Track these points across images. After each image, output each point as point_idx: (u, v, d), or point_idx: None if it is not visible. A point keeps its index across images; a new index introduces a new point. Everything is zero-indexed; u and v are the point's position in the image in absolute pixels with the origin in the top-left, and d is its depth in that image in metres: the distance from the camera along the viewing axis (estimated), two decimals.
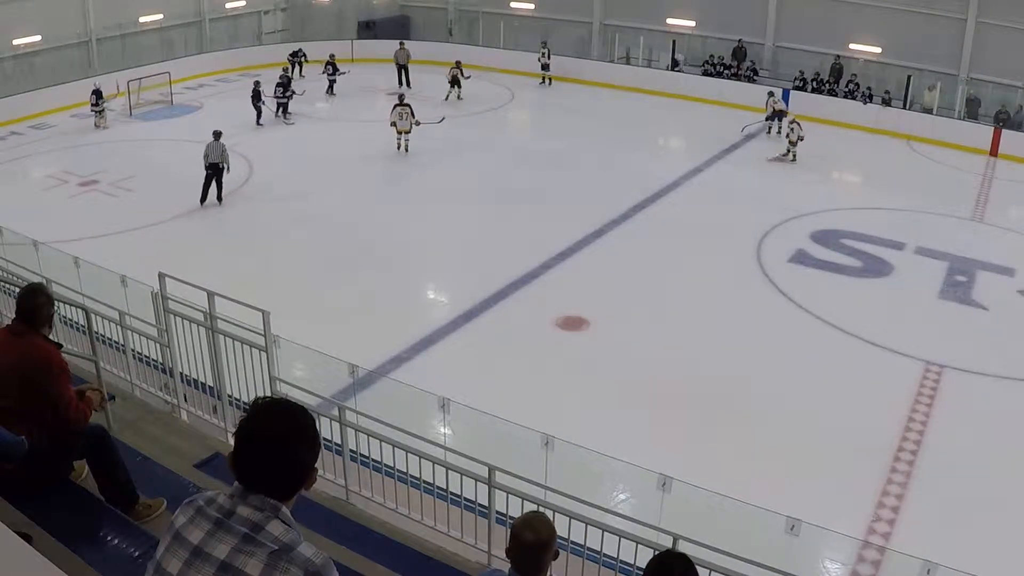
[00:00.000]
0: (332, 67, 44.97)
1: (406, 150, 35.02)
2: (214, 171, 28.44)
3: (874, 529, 14.64)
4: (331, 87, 45.11)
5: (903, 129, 38.41)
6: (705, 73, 45.30)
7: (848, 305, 22.57)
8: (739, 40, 45.27)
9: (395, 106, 35.25)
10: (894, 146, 37.53)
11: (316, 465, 3.91)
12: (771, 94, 39.93)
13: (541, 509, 9.76)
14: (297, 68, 46.46)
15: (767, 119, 39.05)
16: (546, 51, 47.05)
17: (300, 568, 3.52)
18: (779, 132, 37.72)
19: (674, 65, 46.40)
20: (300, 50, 47.73)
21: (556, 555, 6.39)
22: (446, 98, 43.16)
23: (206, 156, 28.27)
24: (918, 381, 19.28)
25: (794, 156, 34.76)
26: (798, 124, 34.78)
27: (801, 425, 17.38)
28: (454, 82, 43.60)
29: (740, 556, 9.18)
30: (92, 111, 38.84)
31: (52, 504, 7.64)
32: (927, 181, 33.67)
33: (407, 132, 34.85)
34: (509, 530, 6.39)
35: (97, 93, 38.66)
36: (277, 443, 3.71)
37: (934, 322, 22.13)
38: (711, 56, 45.83)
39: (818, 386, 18.91)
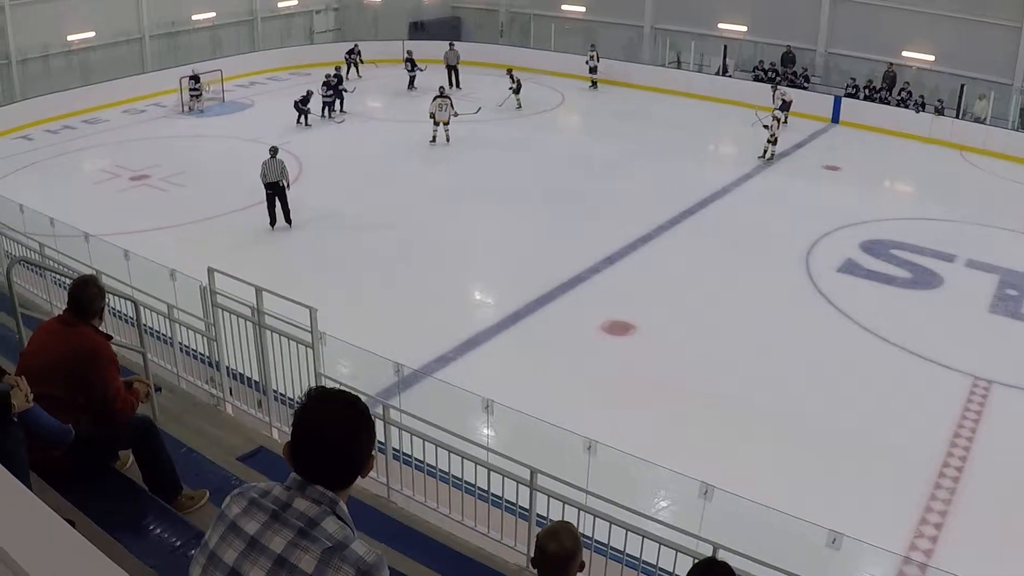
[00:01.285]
0: (411, 64, 45.32)
1: (447, 140, 35.82)
2: (275, 191, 26.36)
3: (916, 545, 14.54)
4: (412, 83, 45.37)
5: (956, 139, 37.83)
6: (756, 79, 44.96)
7: (896, 317, 22.34)
8: (787, 46, 45.04)
9: (435, 98, 36.03)
10: (946, 156, 37.06)
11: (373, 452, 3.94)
12: (776, 87, 40.43)
13: (582, 513, 9.80)
14: (353, 68, 46.64)
15: (777, 109, 39.20)
16: (594, 54, 46.74)
17: (352, 567, 3.53)
18: (785, 123, 37.90)
19: (724, 71, 46.13)
20: (356, 47, 47.79)
21: (582, 567, 6.34)
22: (517, 105, 42.92)
23: (263, 176, 26.15)
24: (965, 396, 19.01)
25: (772, 155, 35.13)
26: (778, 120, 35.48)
27: (846, 437, 17.21)
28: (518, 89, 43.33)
29: (780, 568, 9.15)
30: (190, 94, 40.90)
31: (96, 492, 7.69)
32: (979, 192, 33.25)
33: (446, 123, 35.65)
34: (535, 540, 6.37)
35: (195, 78, 40.75)
36: (336, 435, 3.76)
37: (983, 336, 21.82)
38: (760, 62, 45.54)
39: (864, 398, 18.73)
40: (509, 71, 43.33)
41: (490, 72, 45.94)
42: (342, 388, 4.10)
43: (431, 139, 35.89)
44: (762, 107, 38.35)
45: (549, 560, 6.19)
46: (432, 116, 35.59)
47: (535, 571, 6.36)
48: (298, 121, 38.29)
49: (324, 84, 39.72)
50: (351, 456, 3.79)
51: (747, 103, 40.78)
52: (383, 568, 3.66)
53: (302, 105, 38.19)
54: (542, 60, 49.24)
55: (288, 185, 26.57)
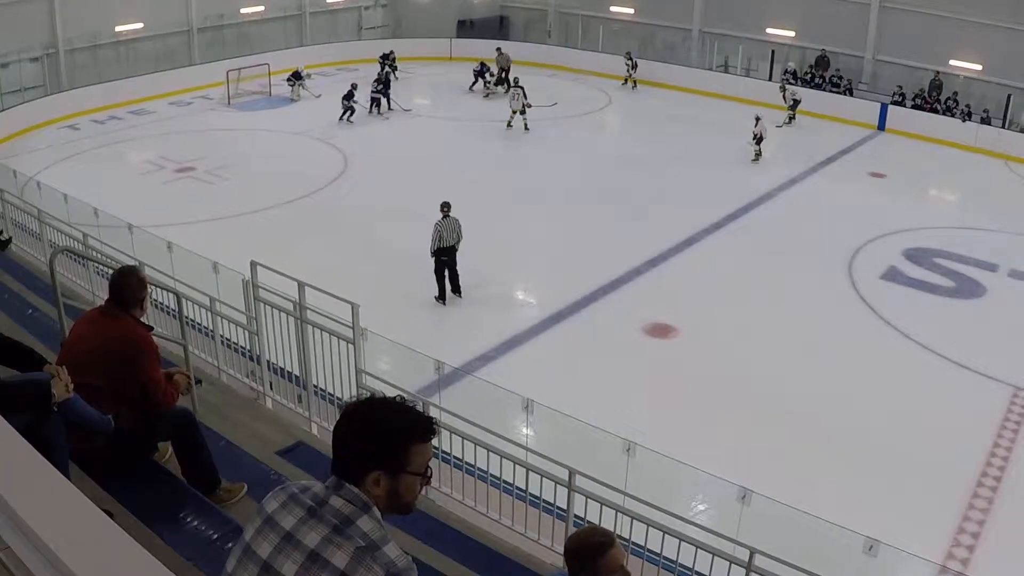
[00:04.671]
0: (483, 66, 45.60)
1: (525, 128, 37.37)
2: (450, 256, 22.22)
3: (953, 554, 14.45)
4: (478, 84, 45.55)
5: (1001, 149, 37.52)
6: (805, 84, 44.68)
7: (938, 325, 22.22)
8: (822, 50, 44.91)
9: (510, 87, 38.61)
10: (991, 166, 36.77)
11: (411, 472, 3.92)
12: (783, 88, 41.41)
13: (619, 515, 9.78)
14: (390, 70, 46.26)
15: (790, 108, 40.41)
16: (630, 63, 46.75)
17: (383, 568, 3.56)
18: (793, 120, 40.04)
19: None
20: (391, 53, 47.20)
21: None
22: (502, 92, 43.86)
23: (439, 238, 21.91)
24: (1006, 406, 18.91)
25: (757, 155, 35.18)
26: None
27: (884, 443, 17.15)
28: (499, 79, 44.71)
29: (816, 573, 9.11)
30: (289, 85, 42.69)
31: (135, 483, 7.72)
32: (1023, 203, 33.10)
33: (519, 112, 37.27)
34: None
35: (296, 74, 42.37)
36: (359, 437, 3.80)
37: None
38: (809, 67, 45.29)
39: (903, 406, 18.64)
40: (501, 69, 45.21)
41: (538, 72, 45.94)
42: (390, 396, 4.08)
43: (507, 124, 37.79)
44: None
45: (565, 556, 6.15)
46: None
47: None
48: (342, 117, 38.43)
49: (376, 80, 40.06)
50: (373, 459, 3.79)
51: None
52: (412, 574, 3.67)
53: (346, 100, 38.30)
54: (590, 61, 49.14)
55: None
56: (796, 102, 40.48)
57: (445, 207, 22.14)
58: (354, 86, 38.78)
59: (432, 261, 22.19)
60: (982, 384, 19.70)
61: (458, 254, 22.24)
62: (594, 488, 10.21)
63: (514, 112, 37.34)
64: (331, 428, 3.87)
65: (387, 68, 42.38)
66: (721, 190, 31.23)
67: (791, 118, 40.38)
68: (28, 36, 38.77)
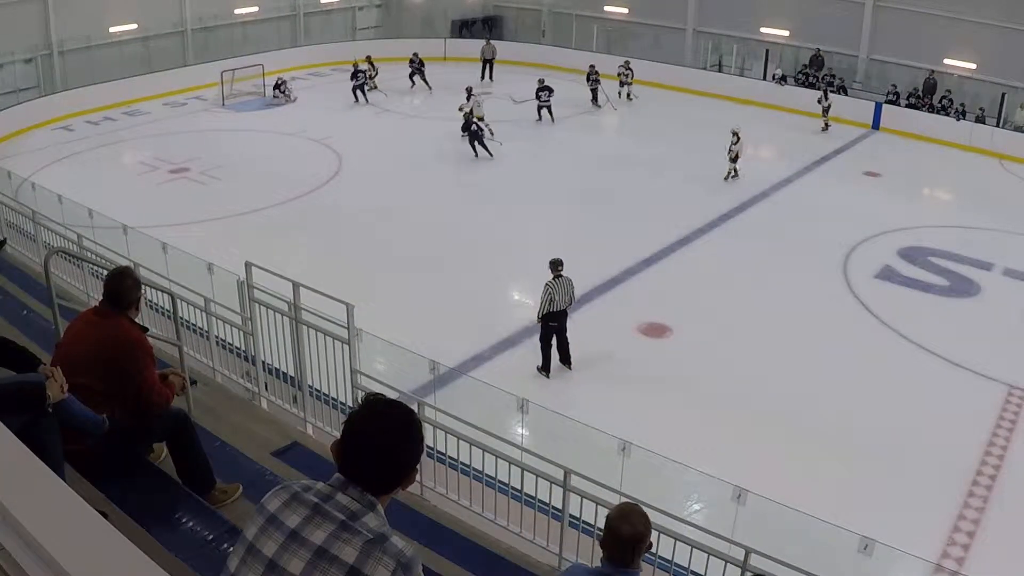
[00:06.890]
0: (595, 77, 43.71)
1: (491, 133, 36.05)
2: (560, 322, 19.24)
3: (948, 553, 14.45)
4: (595, 96, 43.85)
5: (996, 148, 37.55)
6: (799, 83, 44.68)
7: (933, 324, 22.21)
8: (817, 49, 44.96)
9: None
10: (986, 164, 36.79)
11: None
12: (826, 92, 40.94)
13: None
14: (420, 77, 45.58)
15: (824, 114, 40.23)
16: (627, 72, 45.03)
17: (393, 559, 3.59)
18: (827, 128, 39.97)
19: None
20: (416, 56, 45.98)
21: (649, 547, 6.46)
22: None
23: (549, 300, 18.84)
24: (1001, 404, 18.90)
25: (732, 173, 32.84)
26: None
27: (879, 443, 17.13)
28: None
29: (811, 572, 9.12)
30: (274, 94, 42.37)
31: (130, 484, 7.70)
32: (1018, 201, 32.87)
33: (480, 119, 35.67)
34: (605, 521, 6.46)
35: (282, 80, 42.31)
36: (386, 442, 3.82)
37: (1019, 345, 21.56)
38: (804, 66, 45.26)
39: (898, 405, 18.62)
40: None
41: (529, 71, 45.88)
42: (396, 399, 4.11)
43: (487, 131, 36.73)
44: (846, 121, 40.33)
45: (622, 543, 6.25)
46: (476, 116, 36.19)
47: (601, 552, 6.41)
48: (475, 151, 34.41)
49: (465, 126, 35.09)
50: (396, 464, 3.86)
51: (790, 108, 40.83)
52: (419, 563, 3.71)
53: (473, 137, 34.47)
54: (583, 61, 48.82)
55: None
56: (825, 109, 40.16)
57: (557, 266, 19.01)
58: (477, 121, 34.78)
59: (540, 326, 19.29)
60: (977, 383, 19.69)
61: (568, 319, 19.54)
62: (589, 488, 10.21)
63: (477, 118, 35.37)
64: (327, 428, 3.87)
65: (358, 69, 41.66)
66: (716, 190, 31.22)
67: (826, 125, 40.19)
68: (22, 37, 38.78)
